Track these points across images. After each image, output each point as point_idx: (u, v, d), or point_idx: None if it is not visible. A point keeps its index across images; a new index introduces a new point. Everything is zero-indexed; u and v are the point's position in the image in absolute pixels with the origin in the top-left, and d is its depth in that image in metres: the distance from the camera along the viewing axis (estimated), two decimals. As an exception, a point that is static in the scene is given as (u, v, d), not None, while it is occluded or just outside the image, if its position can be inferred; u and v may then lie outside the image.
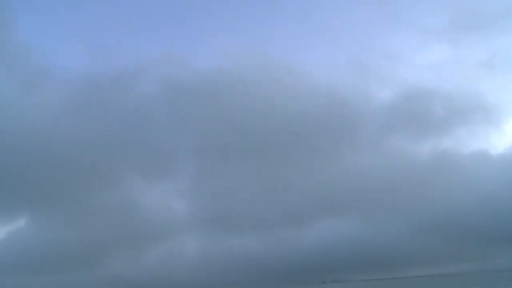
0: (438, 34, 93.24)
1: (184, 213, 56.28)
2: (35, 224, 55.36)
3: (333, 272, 68.33)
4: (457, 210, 51.12)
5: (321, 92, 65.58)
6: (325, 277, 78.46)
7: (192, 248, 52.84)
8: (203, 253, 52.71)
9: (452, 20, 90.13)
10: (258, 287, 63.68)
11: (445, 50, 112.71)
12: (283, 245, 54.50)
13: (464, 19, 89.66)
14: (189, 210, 56.00)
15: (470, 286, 37.17)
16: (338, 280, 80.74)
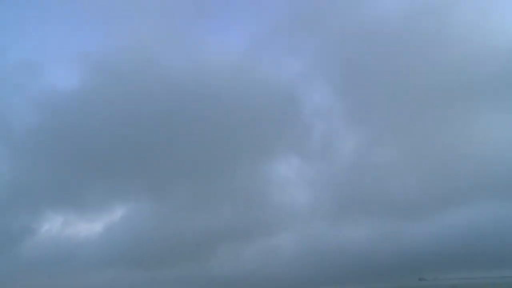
0: None
1: (311, 200, 53.50)
2: (142, 212, 53.84)
3: (433, 268, 64.30)
4: None
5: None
6: (424, 274, 74.60)
7: (299, 242, 50.63)
8: (310, 247, 50.51)
9: None
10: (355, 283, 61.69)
11: None
12: (396, 237, 50.78)
13: None
14: (317, 196, 53.17)
15: None
16: (438, 278, 76.65)
